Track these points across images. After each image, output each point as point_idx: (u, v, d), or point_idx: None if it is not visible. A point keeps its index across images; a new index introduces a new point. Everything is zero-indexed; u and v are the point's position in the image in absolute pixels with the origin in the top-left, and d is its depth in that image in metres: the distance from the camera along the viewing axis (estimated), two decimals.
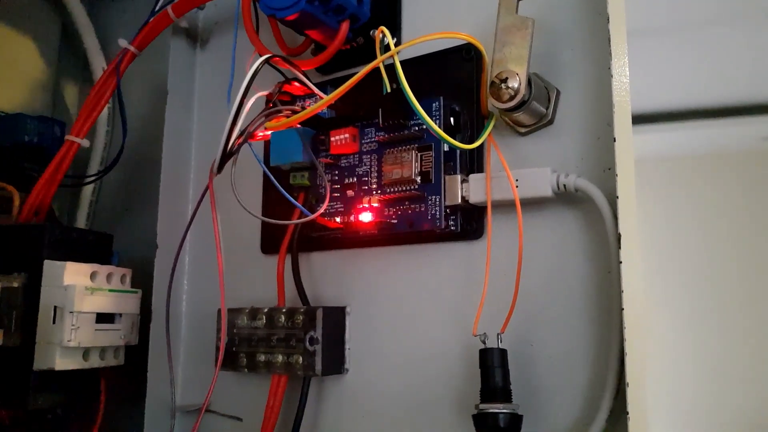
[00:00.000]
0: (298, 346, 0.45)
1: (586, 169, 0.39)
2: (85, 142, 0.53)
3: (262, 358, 0.47)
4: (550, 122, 0.41)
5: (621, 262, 0.35)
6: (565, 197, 0.39)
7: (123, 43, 0.53)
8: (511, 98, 0.38)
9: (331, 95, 0.40)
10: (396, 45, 0.45)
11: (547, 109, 0.41)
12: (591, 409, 0.37)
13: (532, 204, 0.40)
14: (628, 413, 0.33)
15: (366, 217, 0.44)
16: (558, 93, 0.41)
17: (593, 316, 0.38)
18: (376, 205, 0.44)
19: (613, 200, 0.36)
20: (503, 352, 0.38)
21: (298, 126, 0.46)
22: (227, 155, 0.41)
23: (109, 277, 0.50)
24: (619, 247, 0.35)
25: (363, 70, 0.39)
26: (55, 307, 0.47)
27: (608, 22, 0.37)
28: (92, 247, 0.52)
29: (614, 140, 0.36)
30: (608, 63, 0.38)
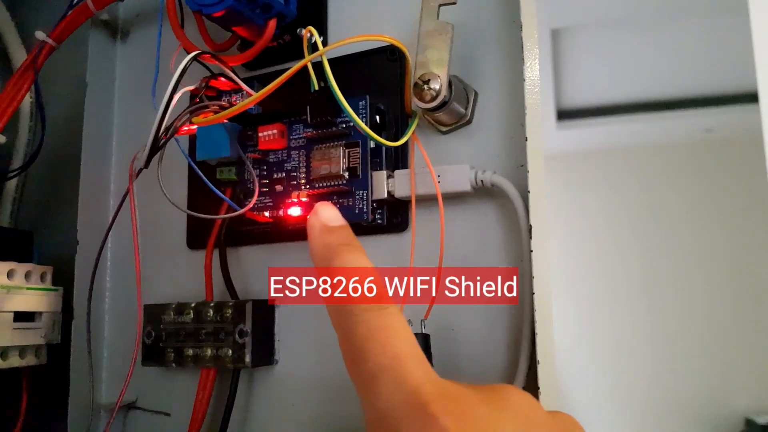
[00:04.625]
0: (227, 339, 0.46)
1: (501, 165, 0.42)
2: (1, 138, 0.51)
3: (190, 352, 0.47)
4: (469, 122, 0.44)
5: (532, 251, 0.38)
6: (483, 192, 0.42)
7: (40, 35, 0.52)
8: (433, 99, 0.40)
9: (260, 92, 0.41)
10: (323, 44, 0.46)
11: (466, 109, 0.43)
12: None
13: (453, 198, 0.42)
14: (539, 388, 0.36)
15: (295, 211, 0.45)
16: (476, 94, 0.44)
17: None
18: (305, 199, 0.45)
19: (525, 195, 0.39)
20: (426, 337, 0.40)
21: (226, 121, 0.47)
22: (154, 151, 0.41)
23: (27, 275, 0.49)
24: (530, 238, 0.38)
25: (291, 70, 0.40)
26: None
27: (521, 29, 0.40)
28: (11, 245, 0.50)
29: (526, 140, 0.39)
30: (521, 67, 0.41)
